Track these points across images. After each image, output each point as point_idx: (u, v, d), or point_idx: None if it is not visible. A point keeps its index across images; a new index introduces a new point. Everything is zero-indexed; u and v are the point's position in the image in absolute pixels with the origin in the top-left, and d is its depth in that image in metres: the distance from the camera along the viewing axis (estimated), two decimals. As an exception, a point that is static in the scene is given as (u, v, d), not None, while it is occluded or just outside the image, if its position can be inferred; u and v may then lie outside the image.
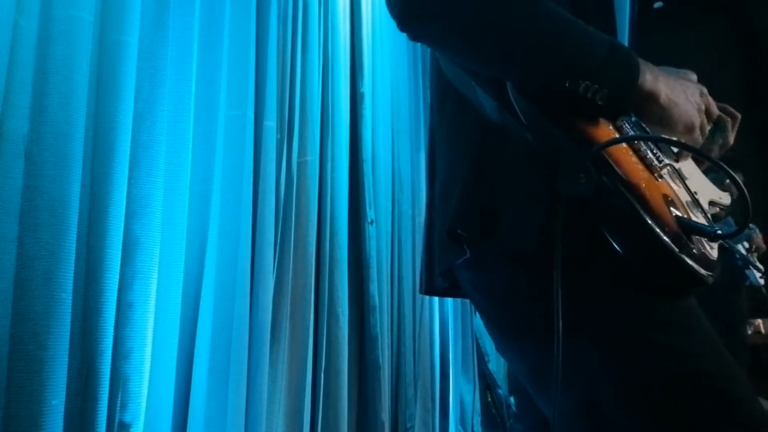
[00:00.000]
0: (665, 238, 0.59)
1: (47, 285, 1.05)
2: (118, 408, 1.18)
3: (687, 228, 0.62)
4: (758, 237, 3.62)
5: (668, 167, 0.69)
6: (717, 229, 0.63)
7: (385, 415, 2.16)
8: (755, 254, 3.61)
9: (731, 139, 0.80)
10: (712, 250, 0.66)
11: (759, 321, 4.29)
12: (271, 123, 1.81)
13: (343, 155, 2.21)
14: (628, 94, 0.66)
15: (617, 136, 0.66)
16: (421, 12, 0.69)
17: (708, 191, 0.74)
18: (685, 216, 0.64)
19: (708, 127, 0.73)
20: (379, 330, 2.20)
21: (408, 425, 2.33)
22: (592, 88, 0.62)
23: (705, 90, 0.73)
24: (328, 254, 2.03)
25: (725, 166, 0.61)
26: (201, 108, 1.58)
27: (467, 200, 0.72)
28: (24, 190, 1.08)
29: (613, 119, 0.67)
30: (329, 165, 2.14)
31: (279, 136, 1.88)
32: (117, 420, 1.17)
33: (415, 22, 0.71)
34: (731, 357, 0.63)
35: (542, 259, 0.63)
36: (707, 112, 0.73)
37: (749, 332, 3.49)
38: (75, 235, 1.11)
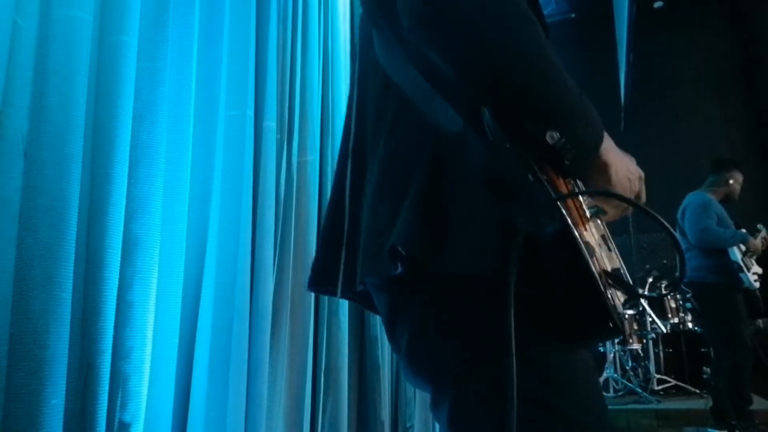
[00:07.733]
0: (602, 288, 0.61)
1: (47, 285, 1.05)
2: (118, 407, 1.18)
3: (614, 281, 0.65)
4: (755, 240, 3.60)
5: (593, 221, 0.71)
6: (638, 289, 0.65)
7: (385, 414, 2.16)
8: (753, 256, 3.60)
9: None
10: (621, 305, 0.69)
11: (759, 321, 4.29)
12: (271, 123, 1.81)
13: (343, 155, 2.20)
14: (592, 159, 0.68)
15: (572, 188, 0.68)
16: (438, 18, 0.65)
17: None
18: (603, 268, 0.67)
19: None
20: (379, 330, 2.21)
21: (408, 425, 2.33)
22: (565, 147, 0.63)
23: (643, 175, 0.77)
24: (328, 254, 2.03)
25: (668, 225, 0.62)
26: (201, 108, 1.58)
27: (417, 220, 0.68)
28: (24, 190, 1.08)
29: (570, 177, 0.68)
30: (329, 165, 2.14)
31: (279, 136, 1.88)
32: (117, 419, 1.17)
33: (431, 26, 0.66)
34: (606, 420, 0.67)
35: (487, 287, 0.63)
36: (637, 197, 0.76)
37: (750, 331, 3.49)
38: (75, 235, 1.11)
